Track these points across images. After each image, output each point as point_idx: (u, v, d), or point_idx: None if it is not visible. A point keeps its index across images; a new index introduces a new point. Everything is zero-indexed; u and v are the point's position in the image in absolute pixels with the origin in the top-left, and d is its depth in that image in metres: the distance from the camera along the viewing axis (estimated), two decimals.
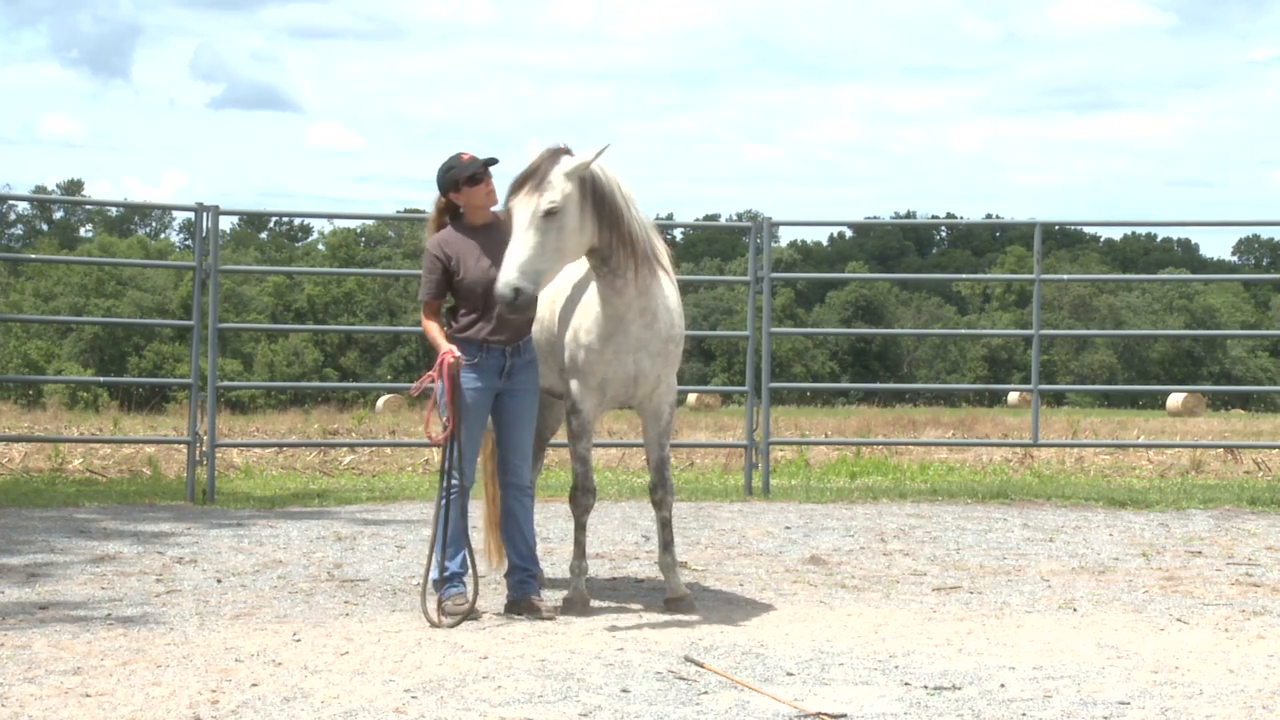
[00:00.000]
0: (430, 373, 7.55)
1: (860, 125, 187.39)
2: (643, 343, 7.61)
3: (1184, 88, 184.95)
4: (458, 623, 7.30)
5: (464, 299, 7.60)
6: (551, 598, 7.88)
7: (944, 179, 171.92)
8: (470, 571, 7.61)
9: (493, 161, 7.63)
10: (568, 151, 7.30)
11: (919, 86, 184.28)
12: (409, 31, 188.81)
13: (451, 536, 7.55)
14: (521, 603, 7.58)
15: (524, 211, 7.15)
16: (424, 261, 7.66)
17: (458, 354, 7.47)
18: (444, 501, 7.53)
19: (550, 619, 7.45)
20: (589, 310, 7.61)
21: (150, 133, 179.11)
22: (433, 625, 7.27)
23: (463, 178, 7.57)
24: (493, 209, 7.66)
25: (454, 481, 7.54)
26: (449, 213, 7.72)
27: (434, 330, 7.65)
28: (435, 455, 15.79)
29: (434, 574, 7.58)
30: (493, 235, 7.56)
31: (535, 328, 7.85)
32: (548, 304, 7.85)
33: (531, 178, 7.20)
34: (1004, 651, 6.76)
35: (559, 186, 7.17)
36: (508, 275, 7.04)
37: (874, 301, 70.19)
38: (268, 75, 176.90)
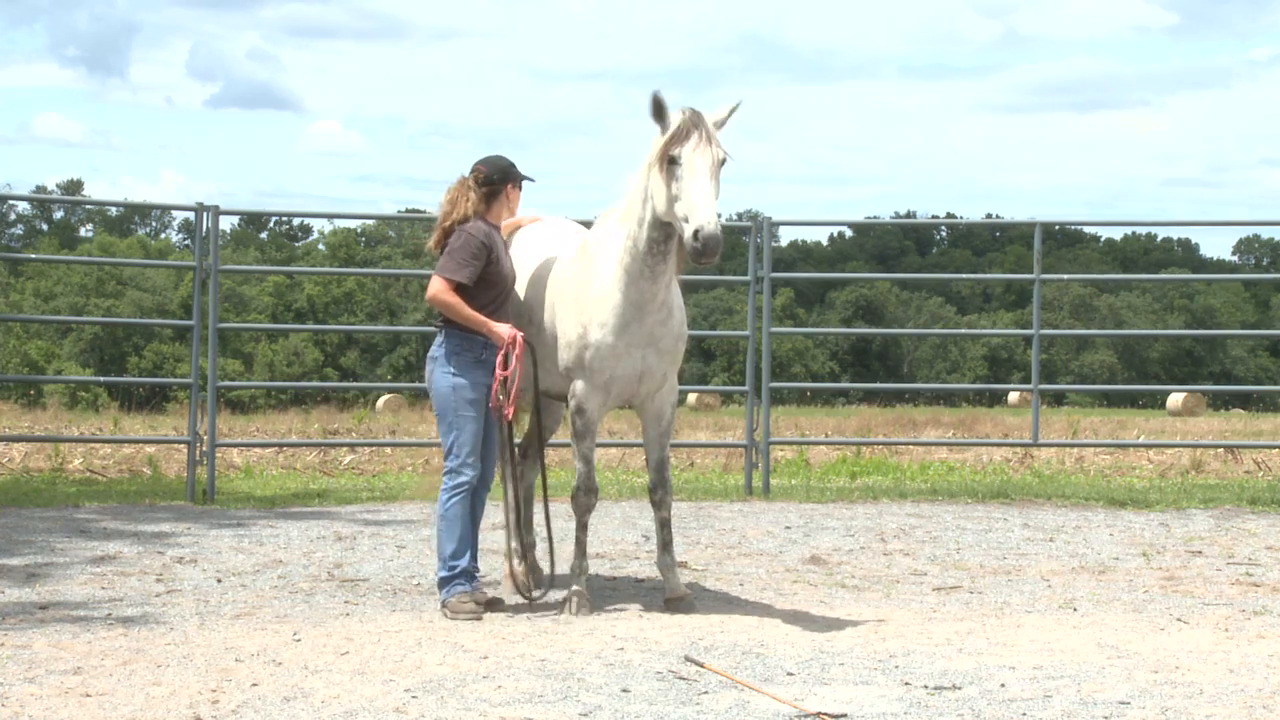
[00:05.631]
0: (504, 349, 7.52)
1: (860, 125, 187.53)
2: (655, 338, 7.61)
3: (1184, 88, 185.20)
4: (474, 612, 7.48)
5: (487, 290, 7.61)
6: (552, 597, 7.89)
7: (944, 179, 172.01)
8: (520, 561, 8.08)
9: (530, 179, 7.92)
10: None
11: (919, 86, 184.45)
12: (409, 31, 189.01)
13: (460, 535, 7.55)
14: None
15: (704, 160, 7.12)
16: (467, 243, 7.53)
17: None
18: (516, 486, 7.95)
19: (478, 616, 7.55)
20: (603, 302, 7.56)
21: (147, 132, 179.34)
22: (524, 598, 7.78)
23: (517, 179, 7.84)
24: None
25: (463, 478, 7.54)
26: (484, 192, 7.69)
27: (469, 310, 7.55)
28: (435, 455, 15.75)
29: (441, 572, 7.59)
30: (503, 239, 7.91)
31: (531, 330, 7.84)
32: (546, 305, 7.83)
33: (697, 128, 7.16)
34: (1004, 651, 6.76)
35: (723, 143, 7.24)
36: (716, 217, 6.99)
37: (874, 301, 70.22)
38: (266, 74, 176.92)
